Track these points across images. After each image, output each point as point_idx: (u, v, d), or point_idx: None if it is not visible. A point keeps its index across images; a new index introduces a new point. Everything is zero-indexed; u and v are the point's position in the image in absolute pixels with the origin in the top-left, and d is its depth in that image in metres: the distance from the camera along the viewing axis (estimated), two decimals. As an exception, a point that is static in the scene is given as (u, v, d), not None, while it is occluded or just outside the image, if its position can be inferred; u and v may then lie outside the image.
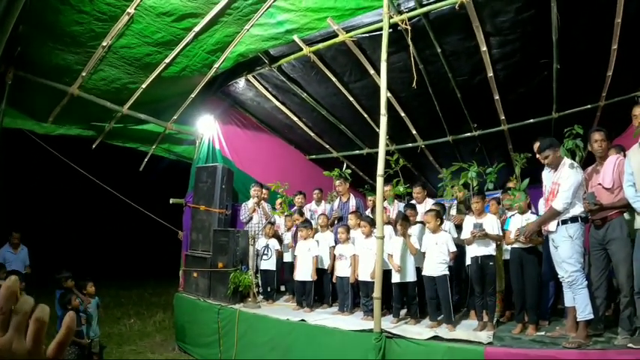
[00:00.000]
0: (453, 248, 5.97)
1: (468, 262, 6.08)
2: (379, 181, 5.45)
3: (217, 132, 9.47)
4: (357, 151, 10.97)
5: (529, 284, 5.49)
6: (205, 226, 8.54)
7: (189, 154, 9.55)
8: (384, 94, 5.61)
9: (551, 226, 5.08)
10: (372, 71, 7.44)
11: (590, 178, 5.23)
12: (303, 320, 6.32)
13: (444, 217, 6.62)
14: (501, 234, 5.92)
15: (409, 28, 6.11)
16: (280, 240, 8.27)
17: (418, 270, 6.21)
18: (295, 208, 8.86)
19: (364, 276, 6.45)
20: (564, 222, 4.98)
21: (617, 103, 7.53)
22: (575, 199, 4.93)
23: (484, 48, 6.59)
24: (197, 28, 6.45)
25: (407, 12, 6.17)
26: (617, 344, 4.53)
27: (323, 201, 9.07)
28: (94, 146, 8.41)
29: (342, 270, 6.92)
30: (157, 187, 11.82)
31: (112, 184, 8.63)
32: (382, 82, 5.66)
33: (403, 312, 6.41)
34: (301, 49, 7.24)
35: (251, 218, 8.74)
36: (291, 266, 7.83)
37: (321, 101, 9.07)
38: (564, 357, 4.40)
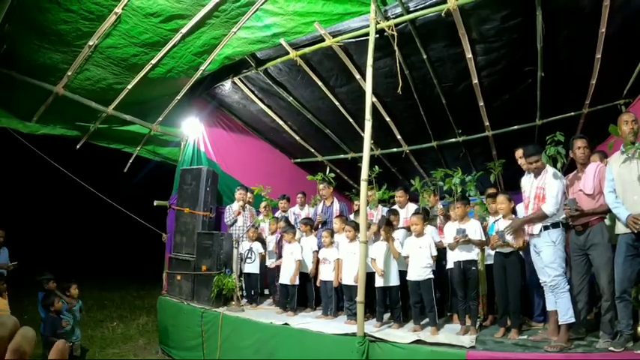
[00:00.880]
0: (435, 252, 6.01)
1: (450, 265, 6.10)
2: (363, 185, 5.48)
3: (203, 134, 9.46)
4: (342, 155, 11.00)
5: (511, 288, 5.52)
6: (189, 229, 8.50)
7: (174, 156, 9.52)
8: (369, 98, 5.64)
9: (535, 229, 5.13)
10: (357, 76, 7.47)
11: (572, 185, 5.29)
12: (286, 324, 6.30)
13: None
14: (484, 239, 5.96)
15: (395, 34, 6.15)
16: (264, 243, 8.24)
17: (401, 274, 6.23)
18: (279, 212, 8.84)
19: (348, 280, 6.46)
20: (546, 227, 5.05)
21: (601, 110, 7.65)
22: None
23: (469, 55, 6.64)
24: (184, 30, 6.47)
25: (394, 18, 6.22)
26: (598, 347, 4.57)
27: (307, 205, 9.06)
28: (78, 146, 8.36)
29: (326, 274, 6.92)
30: (141, 188, 11.72)
31: (96, 185, 8.56)
32: (367, 87, 5.69)
33: (387, 316, 6.42)
34: (288, 53, 7.26)
35: (235, 221, 8.71)
36: (273, 270, 7.82)
37: (307, 105, 9.09)
38: (545, 360, 4.45)
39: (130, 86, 7.37)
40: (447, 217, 6.79)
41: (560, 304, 4.90)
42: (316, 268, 7.29)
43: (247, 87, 8.87)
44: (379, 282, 6.20)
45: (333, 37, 6.79)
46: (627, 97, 7.40)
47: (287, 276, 7.22)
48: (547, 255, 4.99)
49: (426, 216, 6.85)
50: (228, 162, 9.92)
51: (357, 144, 8.75)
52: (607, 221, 4.97)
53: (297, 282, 7.21)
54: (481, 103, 7.81)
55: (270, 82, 8.34)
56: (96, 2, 5.65)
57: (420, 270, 5.90)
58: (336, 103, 8.60)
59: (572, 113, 8.03)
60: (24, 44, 6.08)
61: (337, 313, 6.87)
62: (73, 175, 8.22)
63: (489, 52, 6.68)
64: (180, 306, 7.93)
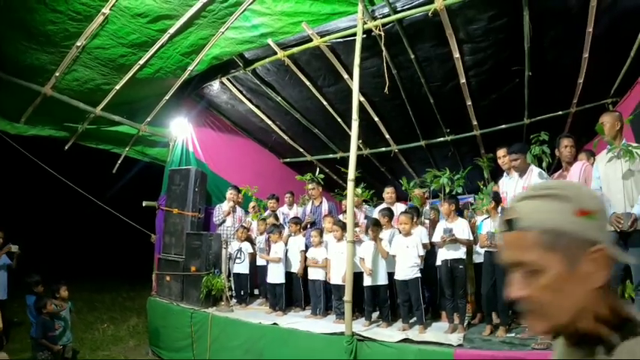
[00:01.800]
0: (422, 252, 6.04)
1: (439, 263, 6.13)
2: (350, 185, 5.50)
3: (191, 134, 9.43)
4: (331, 155, 11.01)
5: (500, 287, 5.54)
6: (178, 230, 8.48)
7: (163, 156, 9.49)
8: (356, 98, 5.67)
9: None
10: (345, 76, 7.48)
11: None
12: (275, 324, 6.33)
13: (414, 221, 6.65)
14: (472, 238, 5.98)
15: (383, 34, 6.16)
16: (253, 243, 8.24)
17: (390, 274, 6.25)
18: (268, 211, 8.84)
19: (336, 279, 6.48)
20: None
21: (588, 109, 7.70)
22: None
23: (457, 55, 6.68)
24: (172, 30, 6.44)
25: (381, 18, 6.22)
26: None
27: (295, 204, 9.07)
28: (66, 147, 8.32)
29: (315, 273, 6.95)
30: (130, 189, 11.67)
31: (85, 186, 8.52)
32: (354, 86, 5.71)
33: (375, 315, 6.43)
34: (276, 53, 7.26)
35: (224, 221, 8.72)
36: (263, 270, 7.81)
37: (295, 105, 9.10)
38: (532, 358, 4.47)
39: (118, 87, 7.35)
40: (434, 222, 6.79)
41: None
42: (304, 268, 7.30)
43: (235, 87, 8.86)
44: (367, 281, 6.22)
45: (321, 37, 6.79)
46: (614, 96, 7.47)
47: (274, 275, 7.24)
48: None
49: (416, 215, 6.86)
50: (217, 162, 9.90)
51: (345, 143, 8.75)
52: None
53: (283, 280, 7.24)
54: (469, 103, 7.84)
55: (259, 82, 8.34)
56: (83, 3, 5.62)
57: (408, 269, 5.92)
58: (324, 103, 8.61)
59: (560, 112, 8.09)
60: (11, 45, 6.04)
61: (326, 312, 6.89)
62: (62, 177, 8.18)
63: (477, 52, 6.71)
64: (170, 307, 7.91)
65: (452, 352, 4.78)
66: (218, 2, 6.10)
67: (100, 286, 15.32)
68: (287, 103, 8.97)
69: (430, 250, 6.45)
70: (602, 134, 4.80)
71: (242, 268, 7.93)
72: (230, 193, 8.79)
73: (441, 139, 9.48)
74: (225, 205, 8.80)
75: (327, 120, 9.29)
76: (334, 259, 6.63)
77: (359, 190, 7.79)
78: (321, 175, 8.33)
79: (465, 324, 5.86)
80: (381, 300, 6.25)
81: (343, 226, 6.46)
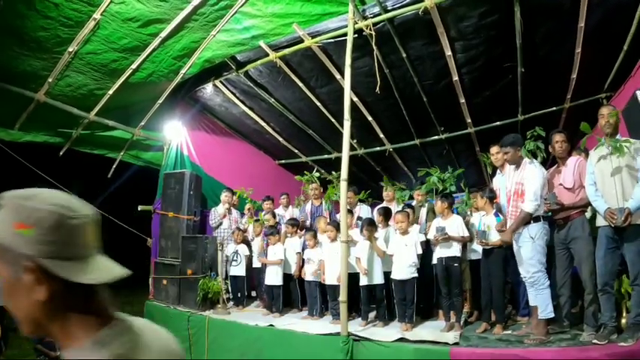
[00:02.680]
0: (419, 251, 6.03)
1: (435, 261, 6.13)
2: (342, 185, 5.49)
3: (185, 138, 9.41)
4: (326, 156, 10.99)
5: (495, 284, 5.55)
6: (174, 233, 8.47)
7: (158, 160, 9.48)
8: (348, 98, 5.68)
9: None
10: (338, 76, 7.47)
11: (553, 179, 5.32)
12: (271, 325, 6.32)
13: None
14: (467, 234, 5.97)
15: (374, 33, 6.15)
16: (249, 246, 8.22)
17: (386, 273, 6.24)
18: (264, 213, 8.80)
19: (331, 280, 6.46)
20: (527, 223, 5.07)
21: (582, 105, 7.70)
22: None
23: (449, 52, 6.68)
24: (163, 34, 6.45)
25: (372, 17, 6.22)
26: (582, 340, 4.59)
27: (290, 206, 9.06)
28: (61, 153, 8.33)
29: (311, 274, 6.94)
30: (125, 193, 11.65)
31: (80, 192, 8.46)
32: (346, 86, 5.72)
33: (372, 315, 6.43)
34: (267, 55, 7.26)
35: (220, 224, 8.71)
36: (260, 272, 7.80)
37: (289, 106, 9.09)
38: (528, 355, 4.45)
39: (111, 91, 7.36)
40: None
41: (539, 299, 4.94)
42: (300, 269, 7.29)
43: (229, 89, 8.85)
44: (363, 281, 6.23)
45: (312, 37, 6.79)
46: (608, 90, 7.48)
47: (271, 277, 7.24)
48: (526, 251, 5.03)
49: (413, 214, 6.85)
50: (212, 165, 9.88)
51: (340, 144, 8.60)
52: (588, 214, 5.01)
53: (281, 282, 7.23)
54: (462, 100, 7.84)
55: (252, 84, 8.34)
56: (74, 9, 5.63)
57: (406, 269, 5.90)
58: (318, 104, 8.60)
59: (554, 108, 8.10)
60: (3, 51, 6.04)
61: (323, 313, 6.88)
62: (57, 183, 8.14)
63: (468, 50, 6.71)
64: (167, 310, 7.90)
65: (448, 350, 4.76)
66: (209, 5, 6.09)
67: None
68: (280, 104, 8.96)
69: (427, 249, 6.44)
70: (587, 132, 4.80)
71: (238, 270, 7.90)
72: (225, 196, 8.80)
73: (436, 137, 9.48)
74: (221, 208, 8.79)
75: (321, 120, 9.27)
76: (329, 260, 6.62)
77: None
78: (317, 174, 8.26)
79: (462, 322, 5.85)
80: (377, 299, 6.25)
81: (337, 227, 6.46)
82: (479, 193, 6.20)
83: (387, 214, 6.75)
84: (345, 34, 6.02)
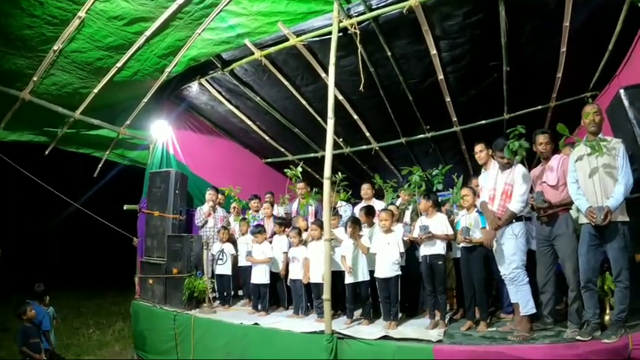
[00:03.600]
0: (402, 249, 6.02)
1: (421, 259, 6.13)
2: (326, 183, 5.50)
3: (171, 136, 9.37)
4: (313, 154, 11.01)
5: (477, 282, 5.56)
6: (159, 232, 8.43)
7: (144, 159, 9.44)
8: (332, 96, 5.69)
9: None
10: (323, 74, 7.48)
11: (537, 177, 5.34)
12: (256, 324, 6.32)
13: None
14: (451, 232, 5.98)
15: (358, 32, 6.16)
16: (235, 244, 8.20)
17: (371, 271, 6.24)
18: (251, 211, 8.78)
19: (316, 278, 6.47)
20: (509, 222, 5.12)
21: (568, 103, 7.75)
22: (523, 200, 5.09)
23: (434, 51, 6.71)
24: (148, 32, 6.43)
25: (356, 16, 6.22)
26: (566, 337, 4.62)
27: (275, 204, 9.05)
28: (47, 152, 8.30)
29: (296, 273, 6.94)
30: (111, 193, 11.61)
31: (66, 191, 8.46)
32: (330, 84, 5.73)
33: (358, 312, 6.43)
34: (253, 53, 7.25)
35: (206, 222, 8.70)
36: (246, 271, 7.75)
37: (274, 105, 9.10)
38: (511, 352, 4.47)
39: (96, 90, 7.34)
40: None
41: (520, 296, 5.01)
42: (286, 269, 7.28)
43: (214, 88, 8.82)
44: (349, 279, 6.23)
45: (297, 36, 6.79)
46: (594, 89, 7.53)
47: (257, 276, 7.23)
48: (508, 248, 5.09)
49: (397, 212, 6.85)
50: (198, 163, 9.86)
51: (326, 142, 8.74)
52: (573, 212, 5.03)
53: (268, 280, 7.22)
54: (448, 99, 7.88)
55: (237, 83, 8.32)
56: (59, 7, 5.62)
57: (389, 267, 5.90)
58: (303, 102, 8.61)
59: (540, 107, 8.16)
60: (-13, 50, 6.02)
61: (309, 311, 6.88)
62: (43, 182, 8.12)
63: (454, 48, 6.73)
64: (153, 310, 7.88)
65: (431, 348, 4.78)
66: (194, 4, 6.08)
67: (86, 291, 15.27)
68: (266, 102, 8.96)
69: (412, 246, 6.46)
70: (564, 133, 4.81)
71: (224, 269, 7.89)
72: (209, 194, 8.80)
73: (421, 135, 9.52)
74: (205, 207, 8.79)
75: (306, 119, 9.28)
76: (313, 258, 6.62)
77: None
78: (300, 169, 8.20)
79: (447, 320, 5.88)
80: (362, 297, 6.25)
81: (321, 225, 6.45)
82: (469, 188, 6.19)
83: (369, 212, 6.74)
84: (330, 33, 6.02)
